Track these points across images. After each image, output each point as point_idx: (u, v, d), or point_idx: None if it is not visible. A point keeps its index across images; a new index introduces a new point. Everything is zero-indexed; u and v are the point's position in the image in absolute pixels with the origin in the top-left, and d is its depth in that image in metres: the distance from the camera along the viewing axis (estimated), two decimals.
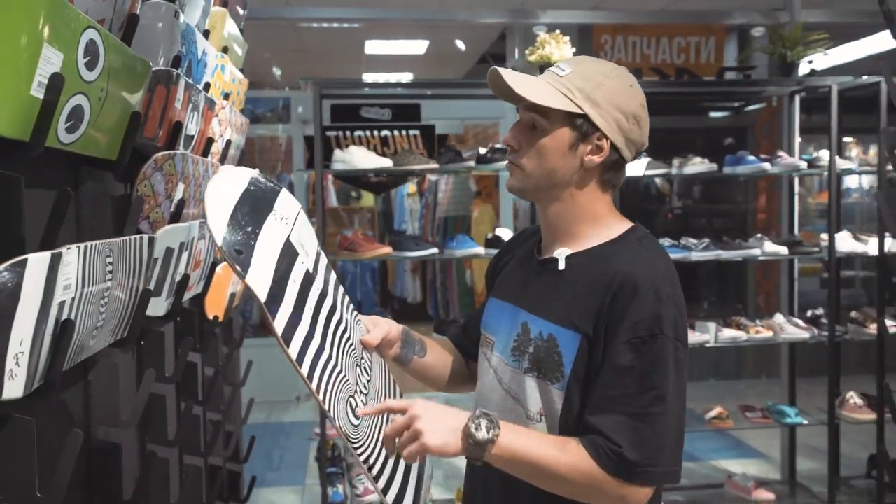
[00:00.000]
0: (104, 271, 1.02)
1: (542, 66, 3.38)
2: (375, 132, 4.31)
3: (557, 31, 3.49)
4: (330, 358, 1.21)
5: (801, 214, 4.39)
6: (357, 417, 1.23)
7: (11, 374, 0.82)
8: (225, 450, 2.43)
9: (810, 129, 4.22)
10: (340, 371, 1.23)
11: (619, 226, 1.34)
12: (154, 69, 1.30)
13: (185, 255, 1.54)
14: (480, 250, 3.59)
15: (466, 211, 7.41)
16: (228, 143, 2.08)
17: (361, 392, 1.30)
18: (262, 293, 1.10)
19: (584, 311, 1.25)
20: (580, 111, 1.26)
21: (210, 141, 1.83)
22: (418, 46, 6.92)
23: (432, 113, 5.23)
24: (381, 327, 1.43)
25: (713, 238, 3.79)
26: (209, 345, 2.12)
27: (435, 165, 3.51)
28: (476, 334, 1.53)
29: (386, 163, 3.53)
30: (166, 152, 1.43)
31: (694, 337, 3.59)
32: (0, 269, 0.78)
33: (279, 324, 1.12)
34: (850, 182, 7.66)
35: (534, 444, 1.20)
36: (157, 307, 1.43)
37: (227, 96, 2.08)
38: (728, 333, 3.68)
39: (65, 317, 0.91)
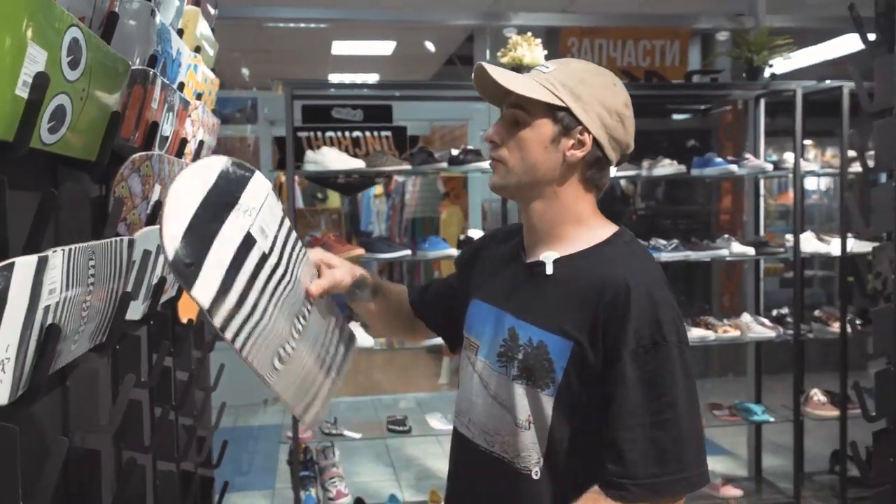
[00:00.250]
0: (87, 274, 1.00)
1: (514, 69, 3.39)
2: (347, 133, 4.28)
3: (529, 34, 3.51)
4: (261, 320, 1.22)
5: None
6: (282, 362, 1.26)
7: None
8: (198, 455, 2.40)
9: (772, 131, 4.30)
10: (271, 328, 1.24)
11: (604, 229, 1.33)
12: (131, 68, 1.27)
13: (161, 258, 1.51)
14: (453, 252, 3.59)
15: (434, 212, 7.41)
16: (201, 143, 2.05)
17: (293, 338, 1.31)
18: (206, 302, 1.10)
19: (577, 318, 1.24)
20: (562, 104, 1.26)
21: (184, 142, 1.80)
22: (385, 47, 6.91)
23: (400, 114, 5.22)
24: (330, 277, 1.40)
25: (681, 239, 3.84)
26: (182, 349, 2.09)
27: (408, 167, 3.50)
28: (434, 297, 1.56)
29: (358, 164, 3.51)
30: (144, 153, 1.40)
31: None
32: None
33: (206, 301, 1.11)
34: (810, 184, 7.83)
35: None
36: (134, 311, 1.41)
37: (199, 96, 2.05)
38: (697, 333, 3.74)
39: (50, 321, 0.89)
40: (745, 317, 3.93)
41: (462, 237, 3.75)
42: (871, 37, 2.17)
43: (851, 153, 3.78)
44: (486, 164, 3.40)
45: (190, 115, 1.85)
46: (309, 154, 3.51)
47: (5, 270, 0.77)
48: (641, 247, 1.34)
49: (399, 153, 3.86)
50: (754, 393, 4.19)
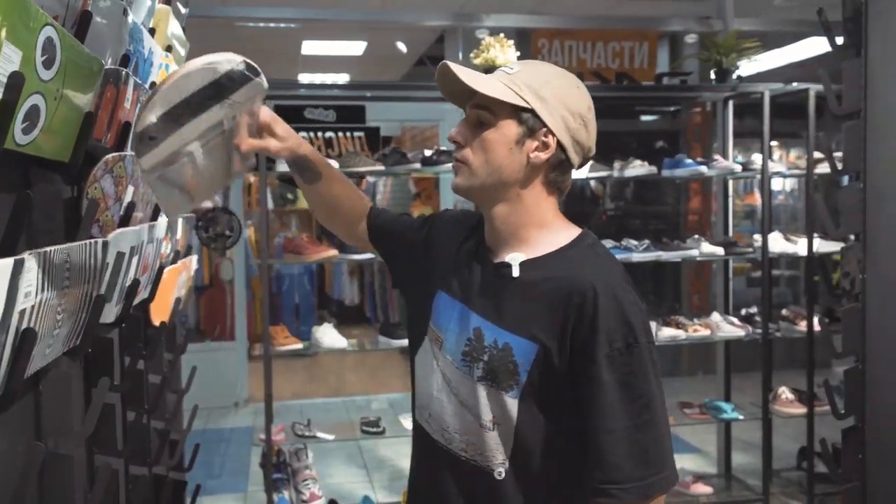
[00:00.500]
0: (63, 277, 0.99)
1: (487, 70, 3.40)
2: (319, 133, 4.26)
3: (501, 35, 3.52)
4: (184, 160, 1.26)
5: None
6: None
7: None
8: (171, 458, 2.37)
9: (738, 133, 4.37)
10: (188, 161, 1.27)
11: (567, 231, 1.33)
12: (105, 68, 1.26)
13: (135, 260, 1.49)
14: None
15: (406, 213, 7.41)
16: None
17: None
18: (146, 166, 1.19)
19: (544, 322, 1.24)
20: (527, 105, 1.26)
21: None
22: (356, 47, 6.88)
23: (370, 115, 5.21)
24: (264, 143, 1.37)
25: (652, 239, 3.88)
26: (155, 352, 2.06)
27: (381, 167, 3.50)
28: (387, 225, 1.59)
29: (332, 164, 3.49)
30: (117, 154, 1.38)
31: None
32: None
33: (147, 165, 1.19)
34: (775, 184, 7.95)
35: None
36: (108, 313, 1.39)
37: None
38: (668, 332, 3.78)
39: (25, 326, 0.88)
40: (715, 316, 3.98)
41: None
42: (839, 40, 2.21)
43: (818, 154, 3.85)
44: None
45: None
46: None
47: None
48: (605, 249, 1.35)
49: (372, 153, 3.85)
50: (724, 391, 4.25)
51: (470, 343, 1.32)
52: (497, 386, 1.27)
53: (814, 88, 3.74)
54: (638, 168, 3.77)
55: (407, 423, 3.78)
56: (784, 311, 4.14)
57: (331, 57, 7.22)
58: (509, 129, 1.27)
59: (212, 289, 6.27)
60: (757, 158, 3.93)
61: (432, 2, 5.31)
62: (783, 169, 4.11)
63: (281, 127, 1.40)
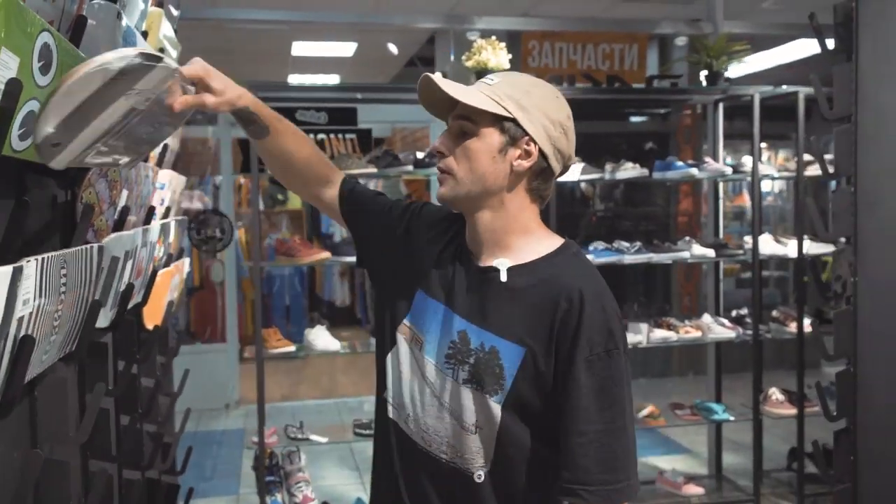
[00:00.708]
0: (59, 283, 0.98)
1: (479, 72, 3.41)
2: (311, 135, 4.25)
3: (493, 38, 3.53)
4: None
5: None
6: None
7: None
8: (163, 462, 2.36)
9: (727, 135, 4.39)
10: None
11: (550, 240, 1.36)
12: None
13: (129, 264, 1.49)
14: None
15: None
16: (165, 146, 2.02)
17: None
18: (56, 166, 1.07)
19: (532, 326, 1.27)
20: (509, 114, 1.28)
21: None
22: (346, 49, 6.87)
23: (360, 116, 5.20)
24: (199, 99, 1.27)
25: (643, 241, 3.89)
26: (148, 356, 2.05)
27: (373, 170, 3.49)
28: (363, 202, 1.54)
29: None
30: None
31: (627, 338, 3.68)
32: None
33: (57, 166, 1.08)
34: (764, 186, 7.99)
35: None
36: (102, 318, 1.38)
37: None
38: (659, 334, 3.79)
39: (23, 333, 0.87)
40: (706, 318, 3.99)
41: None
42: (830, 44, 2.22)
43: (807, 157, 3.87)
44: None
45: None
46: None
47: None
48: (587, 258, 1.40)
49: (364, 155, 3.85)
50: (714, 392, 4.27)
51: (454, 346, 1.33)
52: (482, 389, 1.28)
53: (803, 91, 3.76)
54: (629, 170, 3.78)
55: None
56: (774, 313, 4.17)
57: (321, 58, 7.21)
58: (492, 138, 1.29)
59: (202, 290, 6.25)
60: (747, 161, 3.95)
61: (423, 4, 5.31)
62: (773, 171, 4.14)
63: (218, 81, 1.30)
